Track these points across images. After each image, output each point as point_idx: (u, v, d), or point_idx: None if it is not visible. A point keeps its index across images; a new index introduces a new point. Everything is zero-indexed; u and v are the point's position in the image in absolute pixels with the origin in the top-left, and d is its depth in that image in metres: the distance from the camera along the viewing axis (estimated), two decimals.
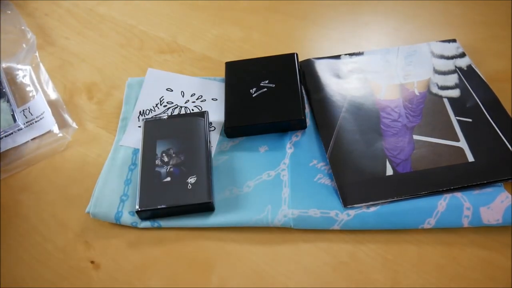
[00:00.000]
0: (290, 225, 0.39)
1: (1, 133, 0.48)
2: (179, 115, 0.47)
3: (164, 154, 0.43)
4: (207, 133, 0.44)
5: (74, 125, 0.50)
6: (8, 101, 0.51)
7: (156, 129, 0.45)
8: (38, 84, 0.54)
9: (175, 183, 0.41)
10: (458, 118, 0.44)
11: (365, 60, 0.51)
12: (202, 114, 0.46)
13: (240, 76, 0.50)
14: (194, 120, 0.46)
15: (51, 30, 0.63)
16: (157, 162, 0.42)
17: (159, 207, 0.39)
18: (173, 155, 0.43)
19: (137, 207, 0.39)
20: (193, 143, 0.44)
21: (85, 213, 0.42)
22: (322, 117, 0.46)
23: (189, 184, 0.41)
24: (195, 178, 0.41)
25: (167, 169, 0.42)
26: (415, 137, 0.43)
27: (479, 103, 0.45)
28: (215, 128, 0.48)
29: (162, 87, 0.52)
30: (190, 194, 0.40)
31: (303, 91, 0.49)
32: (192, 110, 0.49)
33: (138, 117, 0.49)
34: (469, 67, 0.49)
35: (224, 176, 0.43)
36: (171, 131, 0.45)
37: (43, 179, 0.46)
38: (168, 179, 0.41)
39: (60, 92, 0.54)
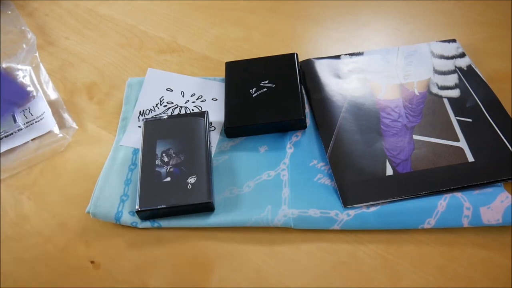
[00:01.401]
0: (290, 225, 0.39)
1: (1, 134, 0.48)
2: (179, 115, 0.47)
3: (164, 154, 0.43)
4: (207, 133, 0.44)
5: (74, 125, 0.50)
6: None
7: (156, 129, 0.45)
8: (38, 84, 0.54)
9: (175, 183, 0.41)
10: (458, 118, 0.44)
11: (365, 60, 0.51)
12: (202, 114, 0.46)
13: (240, 76, 0.50)
14: (194, 120, 0.46)
15: (51, 30, 0.63)
16: (157, 162, 0.42)
17: (159, 207, 0.39)
18: (173, 155, 0.43)
19: (137, 207, 0.39)
20: (193, 143, 0.44)
21: (85, 213, 0.42)
22: (322, 117, 0.46)
23: (189, 184, 0.41)
24: (195, 178, 0.41)
25: (167, 169, 0.42)
26: (415, 137, 0.43)
27: (479, 103, 0.45)
28: (215, 128, 0.48)
29: (162, 87, 0.52)
30: (190, 194, 0.40)
31: (303, 91, 0.49)
32: (192, 110, 0.49)
33: (138, 117, 0.49)
34: (469, 67, 0.49)
35: (224, 176, 0.43)
36: (171, 131, 0.45)
37: (43, 179, 0.46)
38: (168, 179, 0.41)
39: (60, 92, 0.54)
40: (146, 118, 0.47)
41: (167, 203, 0.39)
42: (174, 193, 0.40)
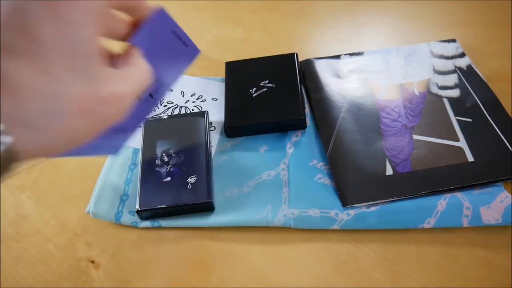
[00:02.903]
0: (290, 224, 0.39)
1: None
2: (179, 115, 0.47)
3: (164, 154, 0.43)
4: (207, 133, 0.44)
5: None
6: None
7: (156, 129, 0.45)
8: None
9: (175, 183, 0.41)
10: (458, 118, 0.44)
11: (365, 60, 0.51)
12: (202, 114, 0.46)
13: (240, 76, 0.50)
14: (194, 120, 0.46)
15: None
16: (157, 162, 0.42)
17: (159, 206, 0.39)
18: (173, 155, 0.43)
19: (137, 206, 0.39)
20: (193, 143, 0.44)
21: (85, 213, 0.42)
22: (322, 117, 0.46)
23: (189, 184, 0.41)
24: (195, 178, 0.41)
25: (167, 168, 0.42)
26: (415, 137, 0.43)
27: (479, 103, 0.45)
28: (215, 128, 0.48)
29: None
30: (190, 193, 0.40)
31: (303, 91, 0.49)
32: (192, 110, 0.49)
33: None
34: (469, 67, 0.49)
35: (224, 176, 0.43)
36: (171, 130, 0.45)
37: (43, 179, 0.46)
38: (168, 178, 0.41)
39: None
40: (146, 118, 0.47)
41: (167, 203, 0.39)
42: (174, 193, 0.40)
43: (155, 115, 0.49)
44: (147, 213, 0.40)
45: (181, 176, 0.41)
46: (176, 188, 0.40)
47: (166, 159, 0.43)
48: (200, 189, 0.40)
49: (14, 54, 0.19)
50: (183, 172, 0.41)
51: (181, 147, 0.43)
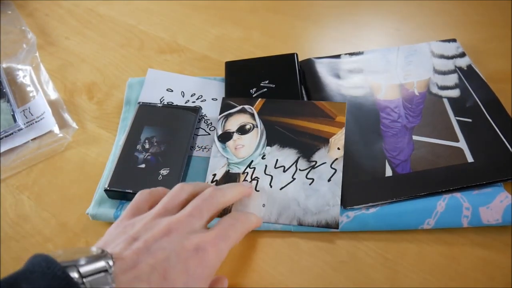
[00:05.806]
0: (290, 228, 0.39)
1: (1, 133, 0.48)
2: (172, 106, 0.48)
3: (146, 141, 0.43)
4: (193, 129, 0.45)
5: (75, 125, 0.50)
6: (8, 101, 0.51)
7: (147, 114, 0.46)
8: (38, 84, 0.54)
9: (148, 172, 0.41)
10: (457, 118, 0.44)
11: (365, 60, 0.51)
12: (195, 110, 0.46)
13: (240, 76, 0.50)
14: (185, 113, 0.46)
15: (51, 30, 0.63)
16: (138, 147, 0.43)
17: (126, 190, 0.40)
18: (155, 143, 0.43)
19: (106, 186, 0.40)
20: (177, 136, 0.44)
21: (85, 213, 0.42)
22: None
23: (161, 175, 0.41)
24: (168, 171, 0.41)
25: (144, 155, 0.42)
26: (415, 137, 0.43)
27: (479, 103, 0.45)
28: (215, 128, 0.48)
29: (162, 87, 0.52)
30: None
31: (303, 91, 0.49)
32: None
33: None
34: (469, 67, 0.48)
35: None
36: (161, 119, 0.45)
37: (43, 179, 0.46)
38: (143, 165, 0.42)
39: (61, 92, 0.54)
40: (142, 102, 0.47)
41: (134, 189, 0.40)
42: (144, 181, 0.40)
43: (151, 102, 0.49)
44: (115, 194, 0.40)
45: (155, 165, 0.41)
46: (147, 176, 0.41)
47: (147, 146, 0.43)
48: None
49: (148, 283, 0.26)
50: (158, 162, 0.42)
51: (165, 138, 0.44)
